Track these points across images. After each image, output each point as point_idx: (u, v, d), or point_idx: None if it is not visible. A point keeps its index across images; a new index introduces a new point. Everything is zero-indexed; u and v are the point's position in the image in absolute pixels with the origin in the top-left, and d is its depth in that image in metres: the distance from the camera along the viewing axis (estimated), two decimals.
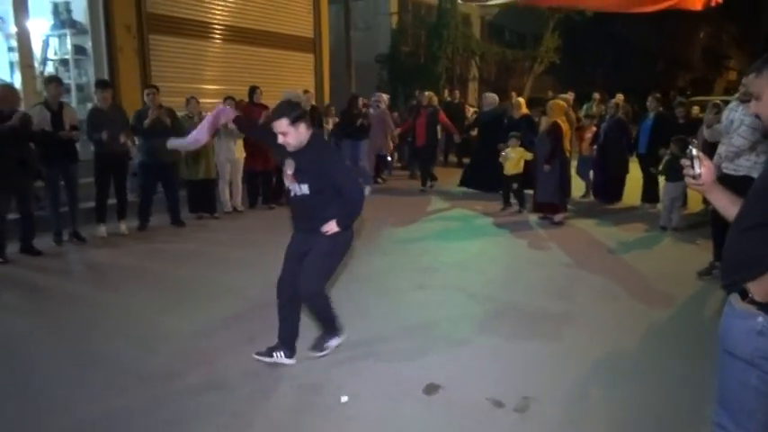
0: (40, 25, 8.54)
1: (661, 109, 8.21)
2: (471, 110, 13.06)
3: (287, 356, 3.43)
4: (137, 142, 6.95)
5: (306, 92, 9.15)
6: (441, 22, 15.69)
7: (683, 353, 3.68)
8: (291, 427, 2.88)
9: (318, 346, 3.50)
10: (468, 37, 17.36)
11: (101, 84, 6.77)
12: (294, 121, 3.09)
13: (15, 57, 8.34)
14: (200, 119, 7.41)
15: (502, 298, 4.73)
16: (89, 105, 7.59)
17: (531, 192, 7.75)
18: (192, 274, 5.36)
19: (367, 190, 9.19)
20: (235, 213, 8.04)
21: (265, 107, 8.56)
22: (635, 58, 27.75)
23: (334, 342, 3.54)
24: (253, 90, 8.46)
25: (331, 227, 3.18)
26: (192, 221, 7.46)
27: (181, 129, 6.79)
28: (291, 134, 3.11)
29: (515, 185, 7.98)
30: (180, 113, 7.39)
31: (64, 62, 9.01)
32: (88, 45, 8.61)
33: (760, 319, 1.61)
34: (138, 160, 7.12)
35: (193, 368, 3.45)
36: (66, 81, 7.80)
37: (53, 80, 6.37)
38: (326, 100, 11.43)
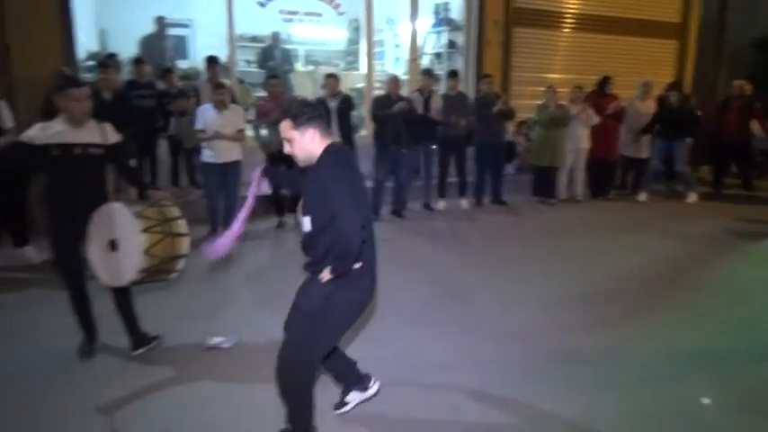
0: (423, 23, 9.98)
1: None
2: None
3: (361, 390, 2.93)
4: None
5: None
6: None
7: None
8: None
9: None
10: None
11: (451, 74, 7.75)
12: (300, 125, 2.39)
13: (401, 52, 9.98)
14: (558, 108, 7.88)
15: None
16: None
17: None
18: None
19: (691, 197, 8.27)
20: (572, 202, 8.24)
21: (615, 97, 8.41)
22: None
23: None
24: (605, 80, 8.41)
25: (324, 274, 2.39)
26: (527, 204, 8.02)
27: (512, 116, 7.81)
28: (297, 141, 2.41)
29: None
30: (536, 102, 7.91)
31: (438, 55, 10.35)
32: (460, 40, 9.69)
33: None
34: (476, 142, 7.86)
35: None
36: (438, 72, 8.99)
37: (426, 72, 7.51)
38: (687, 90, 10.43)
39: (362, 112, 8.57)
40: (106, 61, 6.28)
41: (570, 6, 9.89)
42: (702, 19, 11.11)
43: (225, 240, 2.66)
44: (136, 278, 3.04)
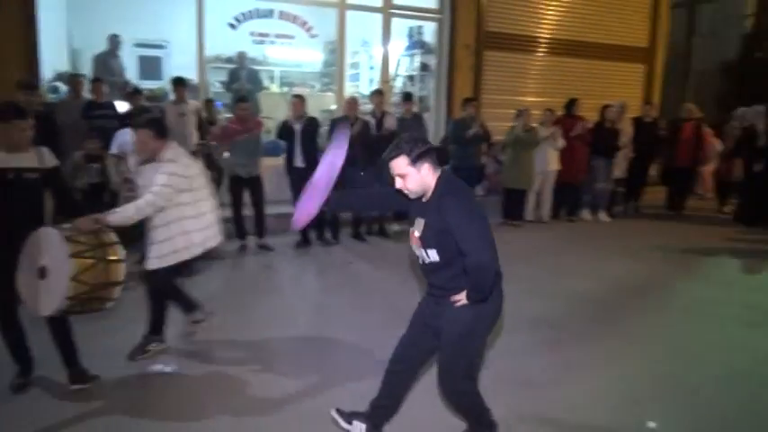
0: (397, 46, 10.08)
1: None
2: None
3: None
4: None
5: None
6: None
7: None
8: None
9: None
10: None
11: (404, 96, 7.80)
12: (415, 161, 2.41)
13: (375, 74, 10.07)
14: (525, 130, 7.95)
15: None
16: (425, 115, 8.82)
17: None
18: None
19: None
20: (538, 224, 8.29)
21: (581, 118, 8.52)
22: None
23: None
24: (572, 102, 8.55)
25: (461, 298, 2.45)
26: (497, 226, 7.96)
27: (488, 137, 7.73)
28: (412, 176, 2.42)
29: None
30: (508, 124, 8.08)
31: (410, 77, 10.46)
32: (432, 62, 9.81)
33: None
34: (450, 165, 7.78)
35: None
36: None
37: (376, 92, 7.47)
38: (655, 113, 10.61)
39: None
40: (31, 83, 5.96)
41: (541, 31, 10.06)
42: (670, 44, 11.36)
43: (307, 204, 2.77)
44: (64, 306, 2.94)
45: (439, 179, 2.45)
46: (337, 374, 3.59)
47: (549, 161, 8.23)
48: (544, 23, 10.08)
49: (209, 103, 7.93)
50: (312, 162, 6.54)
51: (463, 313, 2.46)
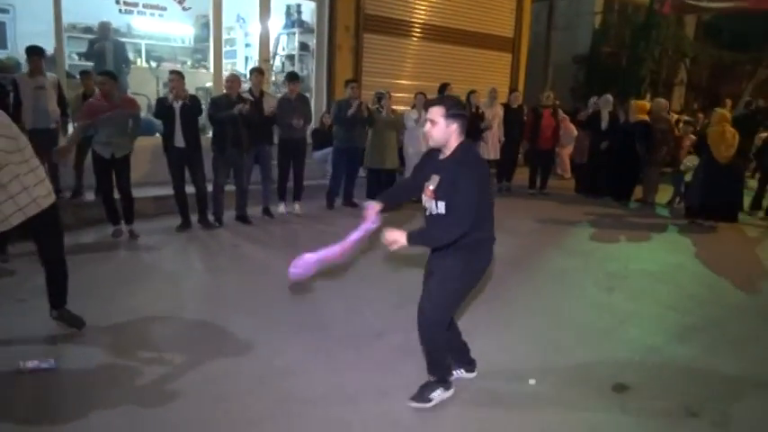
0: (274, 24, 9.83)
1: None
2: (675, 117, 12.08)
3: (468, 371, 3.35)
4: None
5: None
6: (650, 22, 14.70)
7: None
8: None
9: (420, 396, 3.06)
10: (681, 38, 15.98)
11: (289, 76, 7.46)
12: (449, 117, 2.74)
13: (252, 51, 9.76)
14: (391, 113, 8.12)
15: (700, 313, 4.54)
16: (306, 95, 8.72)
17: None
18: None
19: None
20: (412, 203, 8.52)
21: None
22: None
23: (438, 395, 3.06)
24: (443, 86, 8.92)
25: (392, 237, 2.78)
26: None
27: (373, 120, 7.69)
28: (440, 127, 2.75)
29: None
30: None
31: (290, 57, 10.28)
32: (312, 42, 9.72)
33: None
34: (334, 146, 7.92)
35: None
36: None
37: (255, 70, 7.21)
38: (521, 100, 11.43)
39: None
40: None
41: (417, 16, 10.37)
42: (533, 35, 12.26)
43: (312, 261, 2.97)
44: None
45: (461, 144, 2.79)
46: (231, 356, 3.52)
47: (423, 143, 8.50)
48: (419, 9, 10.40)
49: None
50: (193, 142, 6.22)
51: (456, 264, 2.85)
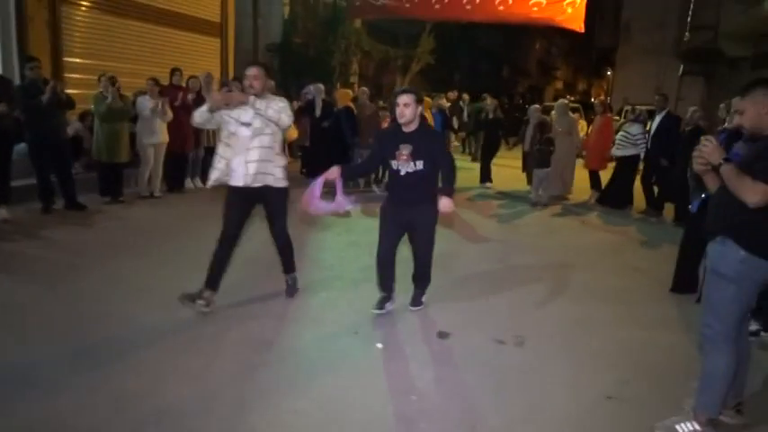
0: None
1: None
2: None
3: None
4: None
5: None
6: (337, 16, 16.11)
7: None
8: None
9: (417, 301, 4.30)
10: (360, 34, 18.01)
11: None
12: (417, 101, 3.79)
13: None
14: (116, 97, 7.30)
15: None
16: None
17: None
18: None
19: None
20: (151, 199, 7.97)
21: (182, 88, 8.51)
22: (487, 64, 30.81)
23: (424, 298, 4.36)
24: (173, 72, 8.47)
25: (448, 204, 3.67)
26: (99, 205, 7.30)
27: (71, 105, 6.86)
28: (411, 109, 3.75)
29: None
30: (95, 91, 7.33)
31: None
32: None
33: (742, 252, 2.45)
34: (28, 141, 6.70)
35: None
36: None
37: None
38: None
39: None
40: None
41: None
42: (244, 22, 12.35)
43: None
44: None
45: (421, 121, 3.91)
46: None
47: (159, 133, 7.95)
48: None
49: None
50: None
51: (432, 212, 3.85)
